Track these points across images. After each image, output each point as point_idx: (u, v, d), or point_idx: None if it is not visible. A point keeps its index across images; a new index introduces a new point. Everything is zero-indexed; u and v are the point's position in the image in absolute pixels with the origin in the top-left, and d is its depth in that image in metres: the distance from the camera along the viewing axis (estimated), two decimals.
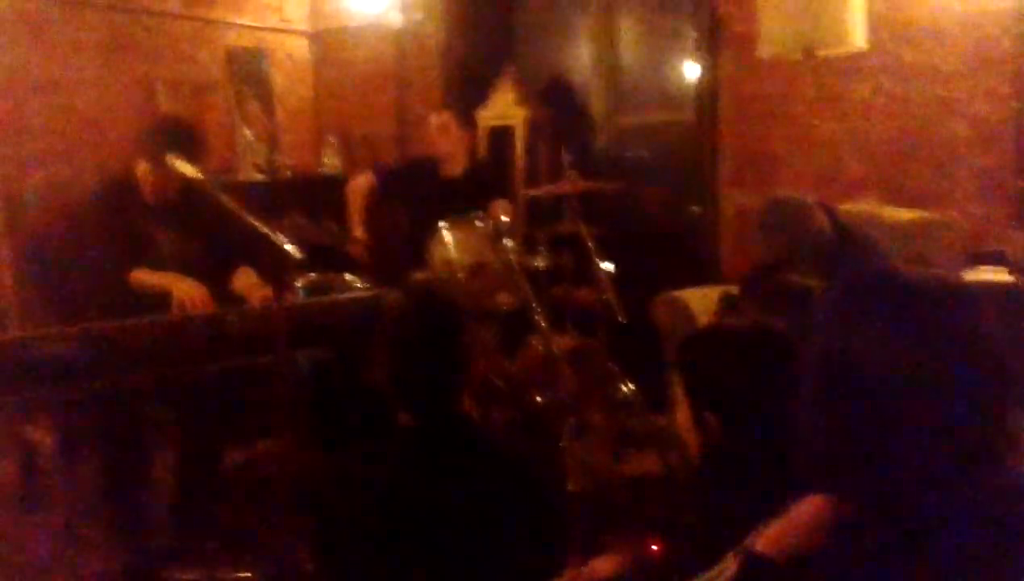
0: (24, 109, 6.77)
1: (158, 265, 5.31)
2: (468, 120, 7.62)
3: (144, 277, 5.21)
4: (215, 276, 5.35)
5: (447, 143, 7.28)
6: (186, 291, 5.04)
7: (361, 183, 7.42)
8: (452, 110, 7.47)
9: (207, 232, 5.52)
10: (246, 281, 5.46)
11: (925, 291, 2.16)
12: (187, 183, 5.18)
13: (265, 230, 4.59)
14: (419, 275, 6.48)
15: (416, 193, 7.27)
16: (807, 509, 2.33)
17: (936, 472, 2.06)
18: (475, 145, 8.08)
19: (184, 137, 5.31)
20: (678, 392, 2.98)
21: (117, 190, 5.46)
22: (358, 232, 7.15)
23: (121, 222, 5.32)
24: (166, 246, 5.45)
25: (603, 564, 3.03)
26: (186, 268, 5.30)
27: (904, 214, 6.24)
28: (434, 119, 7.38)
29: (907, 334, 2.10)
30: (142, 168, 5.34)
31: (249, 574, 5.10)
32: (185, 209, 5.45)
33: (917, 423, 2.06)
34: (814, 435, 2.26)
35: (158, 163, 5.18)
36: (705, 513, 3.13)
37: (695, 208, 7.82)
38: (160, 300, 5.07)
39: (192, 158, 5.14)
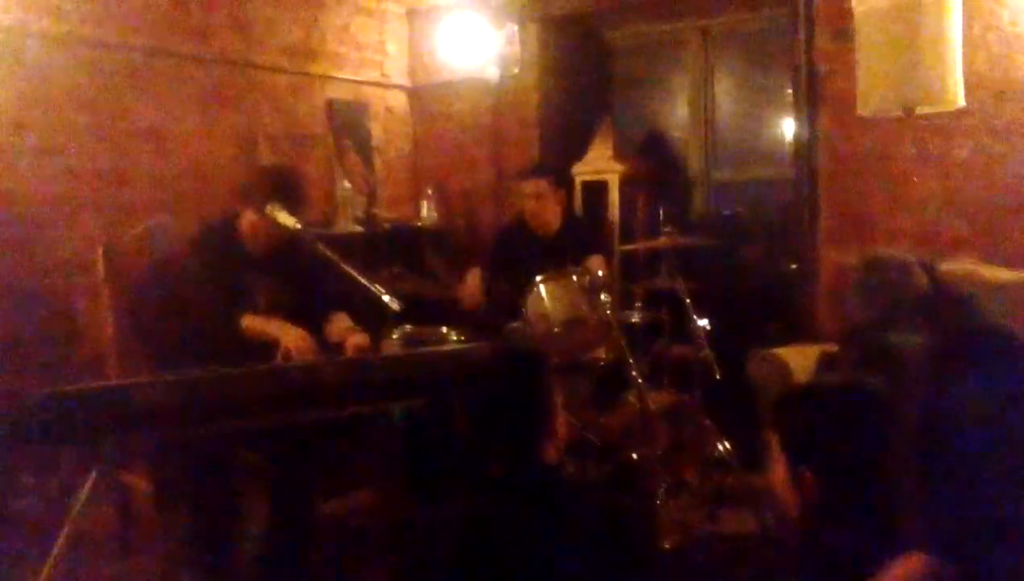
0: (127, 158, 6.85)
1: (256, 310, 5.34)
2: (560, 181, 7.47)
3: (253, 324, 5.24)
4: (311, 326, 5.37)
5: (542, 210, 7.18)
6: (293, 340, 5.06)
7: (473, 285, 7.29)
8: (545, 176, 7.28)
9: (305, 282, 5.55)
10: (340, 326, 5.48)
11: None
12: (287, 233, 5.21)
13: (364, 281, 4.61)
14: (512, 324, 6.47)
15: (513, 255, 7.21)
16: (907, 568, 2.30)
17: None
18: (569, 202, 8.02)
19: (286, 188, 5.36)
20: (775, 449, 2.95)
21: (216, 238, 5.51)
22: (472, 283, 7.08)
23: (219, 270, 5.36)
24: (264, 295, 5.47)
25: None
26: (286, 309, 5.33)
27: (1004, 274, 6.17)
28: (528, 187, 7.23)
29: (1012, 390, 2.08)
30: (246, 219, 5.38)
31: None
32: (284, 259, 5.48)
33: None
34: (914, 493, 2.24)
35: (260, 213, 5.22)
36: (803, 572, 3.10)
37: (792, 265, 7.76)
38: (265, 347, 5.10)
39: (293, 209, 5.18)
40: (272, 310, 5.40)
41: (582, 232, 7.32)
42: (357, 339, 5.29)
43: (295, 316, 5.36)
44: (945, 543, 2.20)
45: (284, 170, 6.16)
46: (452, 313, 6.87)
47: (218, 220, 5.69)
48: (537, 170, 7.42)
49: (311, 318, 5.47)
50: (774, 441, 2.98)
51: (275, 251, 5.46)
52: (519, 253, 7.08)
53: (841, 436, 2.78)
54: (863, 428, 2.75)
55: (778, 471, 2.95)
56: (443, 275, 7.08)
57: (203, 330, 5.29)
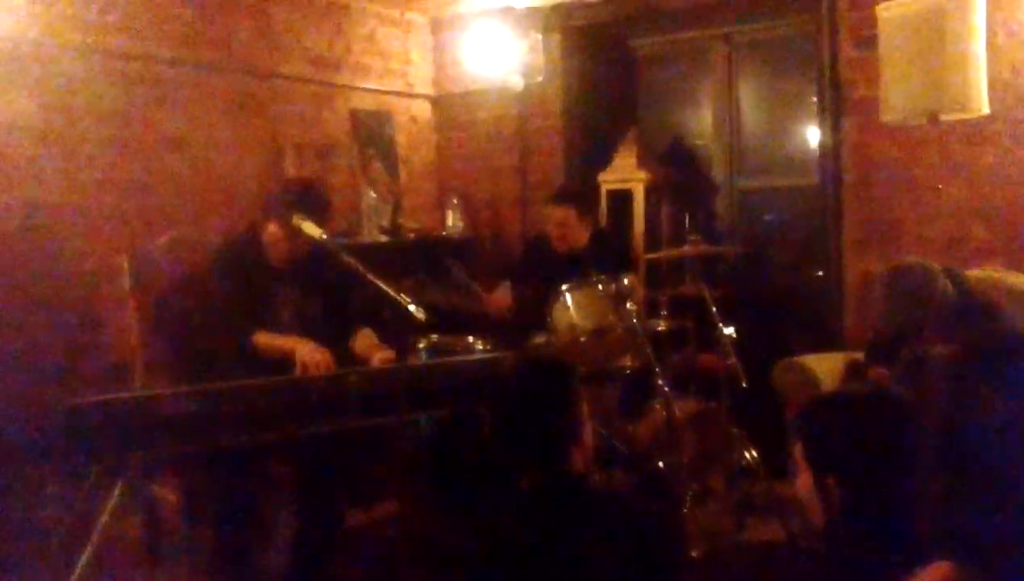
0: (153, 168, 6.87)
1: (279, 326, 5.33)
2: (587, 207, 7.40)
3: (267, 339, 5.22)
4: (335, 337, 5.36)
5: (567, 237, 7.11)
6: (309, 354, 5.03)
7: (503, 297, 7.30)
8: (572, 204, 7.17)
9: (330, 293, 5.54)
10: (366, 343, 5.47)
11: None
12: (312, 244, 5.20)
13: (389, 291, 4.61)
14: (538, 338, 6.47)
15: (538, 268, 7.18)
16: (934, 576, 2.30)
17: None
18: (596, 217, 7.98)
19: (311, 199, 5.35)
20: (799, 458, 2.94)
21: (239, 251, 5.49)
22: (503, 293, 7.11)
23: (242, 282, 5.34)
24: (288, 306, 5.46)
25: None
26: (307, 329, 5.31)
27: None
28: (554, 215, 7.16)
29: None
30: (270, 230, 5.37)
31: None
32: (309, 271, 5.46)
33: None
34: (938, 500, 2.23)
35: (285, 225, 5.21)
36: (832, 579, 3.10)
37: (818, 273, 7.74)
38: (282, 362, 5.09)
39: (318, 220, 5.18)
40: (296, 323, 5.38)
41: (610, 246, 7.26)
42: (383, 354, 5.28)
43: (319, 328, 5.35)
44: (972, 550, 2.19)
45: (309, 182, 6.17)
46: (477, 322, 6.87)
47: (241, 233, 5.69)
48: (563, 196, 7.32)
49: (336, 330, 5.46)
50: (799, 450, 2.98)
51: (299, 263, 5.45)
52: (545, 266, 7.05)
53: (866, 445, 2.78)
54: (888, 437, 2.74)
55: (803, 479, 2.94)
56: (468, 285, 7.06)
57: (217, 346, 5.30)
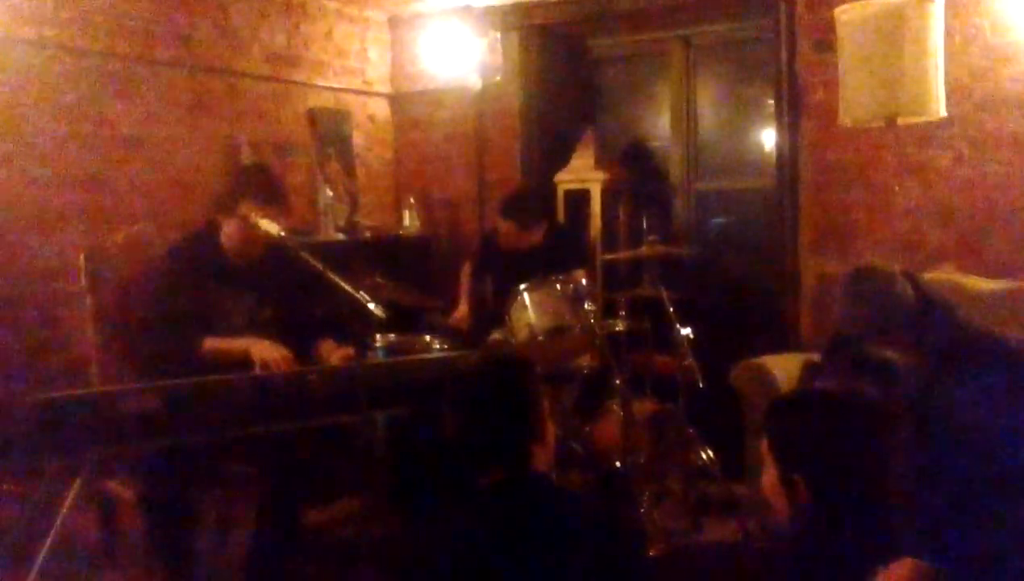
0: (110, 165, 6.81)
1: (232, 330, 5.25)
2: (533, 219, 7.21)
3: (216, 345, 5.12)
4: (293, 336, 5.30)
5: (515, 244, 7.17)
6: (267, 351, 4.97)
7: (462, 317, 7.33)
8: (514, 219, 7.13)
9: (289, 295, 5.46)
10: (327, 349, 5.40)
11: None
12: (270, 241, 5.14)
13: (348, 289, 4.58)
14: (496, 334, 6.48)
15: (496, 265, 7.21)
16: (899, 573, 2.31)
17: None
18: (552, 214, 8.02)
19: (265, 185, 5.27)
20: (765, 455, 2.95)
21: (195, 250, 5.35)
22: (463, 309, 7.19)
23: (193, 285, 5.23)
24: (242, 310, 5.36)
25: None
26: (263, 328, 5.25)
27: (984, 284, 6.20)
28: (500, 224, 7.24)
29: (1003, 395, 2.09)
30: (227, 226, 5.28)
31: None
32: (268, 270, 5.38)
33: (1017, 485, 2.04)
34: (907, 498, 2.24)
35: (241, 220, 5.13)
36: (796, 577, 3.10)
37: (774, 274, 7.76)
38: (238, 365, 5.00)
39: (274, 205, 5.11)
40: (250, 327, 5.30)
41: (565, 243, 7.28)
42: (341, 352, 5.25)
43: (276, 327, 5.30)
44: (935, 547, 2.21)
45: (262, 168, 6.12)
46: (432, 322, 6.88)
47: (197, 230, 5.60)
48: (507, 210, 7.25)
49: (294, 330, 5.39)
50: (765, 447, 2.98)
51: (259, 260, 5.37)
52: (501, 264, 7.07)
53: (835, 443, 2.78)
54: (857, 435, 2.75)
55: (769, 477, 2.95)
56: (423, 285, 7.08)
57: (162, 351, 5.22)
